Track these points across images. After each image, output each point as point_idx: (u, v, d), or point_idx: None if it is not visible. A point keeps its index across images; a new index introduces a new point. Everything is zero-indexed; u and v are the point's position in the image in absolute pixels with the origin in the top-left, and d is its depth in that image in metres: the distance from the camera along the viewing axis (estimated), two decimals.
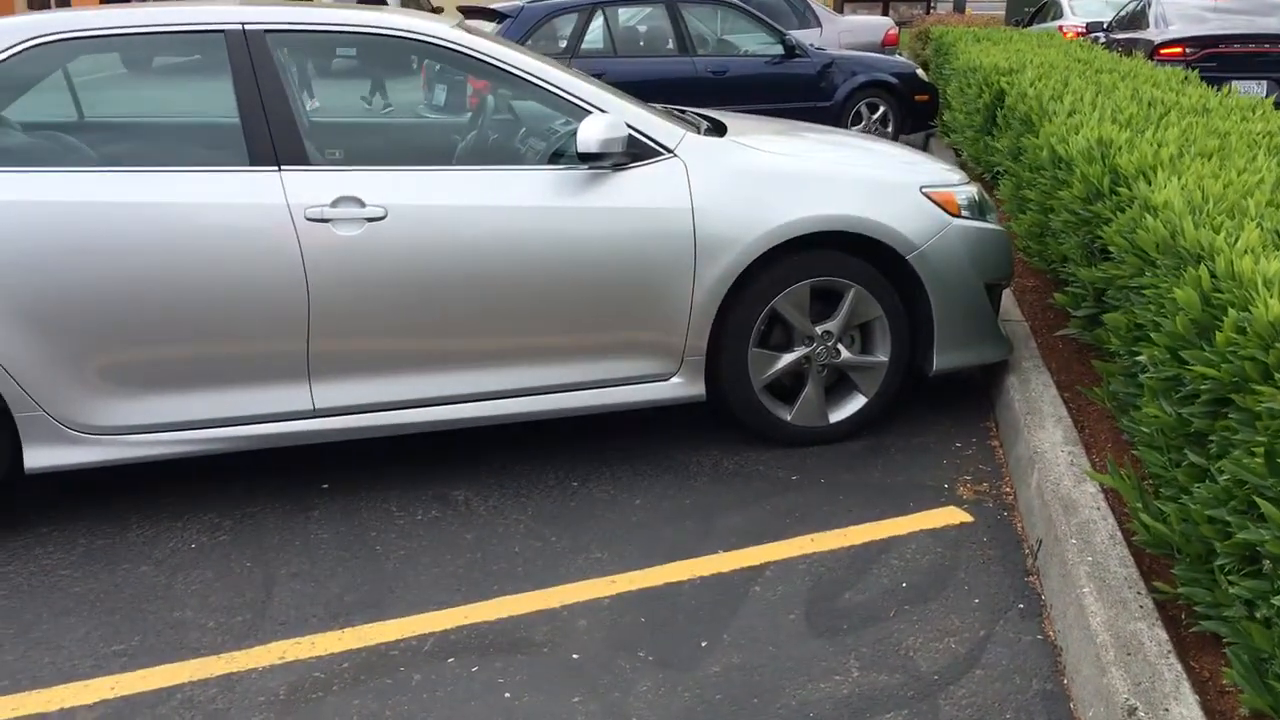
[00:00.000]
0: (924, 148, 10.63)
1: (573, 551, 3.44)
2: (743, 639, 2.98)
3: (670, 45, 9.42)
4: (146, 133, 4.28)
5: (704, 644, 2.96)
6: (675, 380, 3.96)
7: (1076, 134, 4.38)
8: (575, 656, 2.91)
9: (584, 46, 9.09)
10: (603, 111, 3.83)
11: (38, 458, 3.47)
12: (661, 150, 3.88)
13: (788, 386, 4.15)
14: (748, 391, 4.02)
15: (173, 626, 3.07)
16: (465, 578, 3.30)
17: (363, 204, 3.57)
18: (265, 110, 3.58)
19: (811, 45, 10.27)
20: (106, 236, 3.38)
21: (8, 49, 3.46)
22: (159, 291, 3.43)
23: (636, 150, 3.84)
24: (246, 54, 3.62)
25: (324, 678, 2.84)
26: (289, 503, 3.77)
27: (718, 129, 4.32)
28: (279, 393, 3.63)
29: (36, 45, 3.50)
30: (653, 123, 3.93)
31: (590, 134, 3.66)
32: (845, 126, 9.76)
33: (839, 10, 22.70)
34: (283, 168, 3.56)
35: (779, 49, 9.65)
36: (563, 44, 9.09)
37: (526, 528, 3.59)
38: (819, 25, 13.52)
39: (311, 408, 3.66)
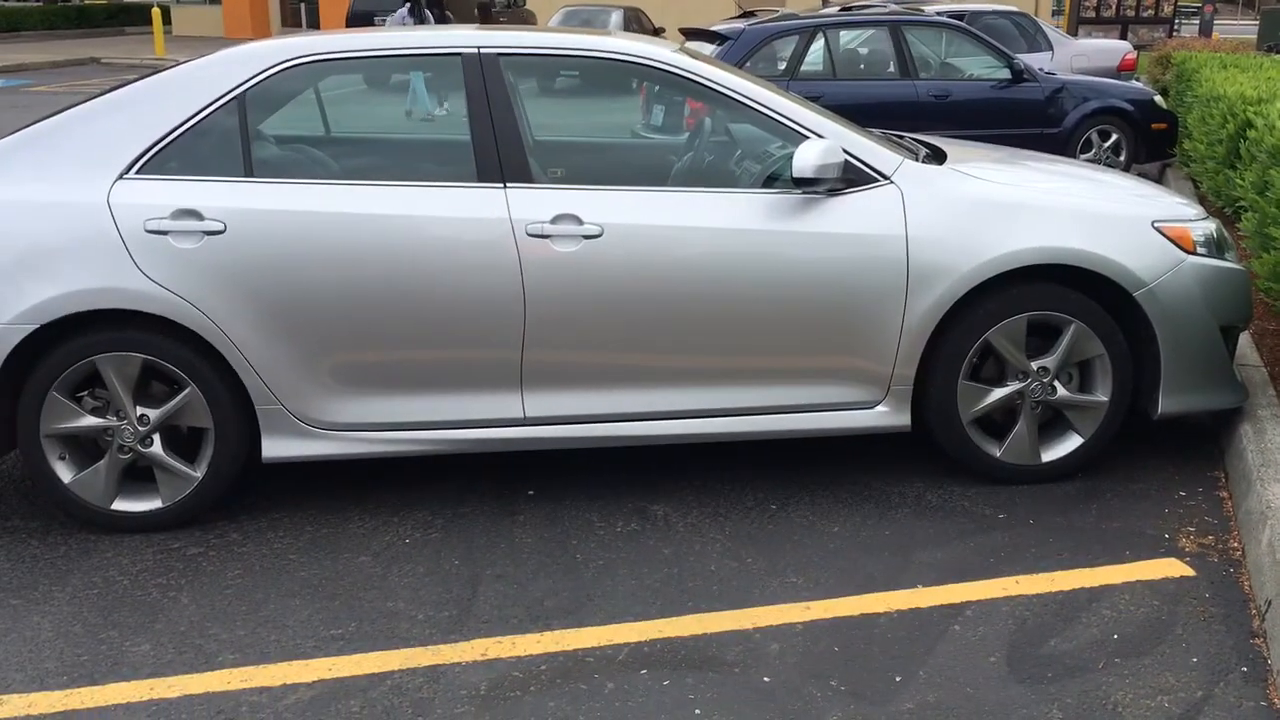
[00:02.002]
0: (1159, 179, 10.10)
1: (768, 574, 3.44)
2: (939, 677, 2.91)
3: (892, 68, 9.30)
4: (385, 149, 4.55)
5: (898, 679, 2.91)
6: (881, 409, 3.90)
7: None
8: (766, 680, 2.91)
9: (804, 69, 9.09)
10: (820, 136, 3.83)
11: (275, 448, 3.73)
12: (878, 177, 3.85)
13: (999, 422, 4.03)
14: (955, 424, 3.93)
15: (386, 616, 3.24)
16: (661, 592, 3.35)
17: (580, 221, 3.69)
18: (495, 130, 3.75)
19: (1041, 70, 9.94)
20: (345, 245, 3.62)
21: (267, 70, 3.75)
22: (388, 298, 3.64)
23: (852, 176, 3.82)
24: (480, 76, 3.80)
25: (522, 677, 2.94)
26: (497, 506, 3.93)
27: (937, 156, 4.25)
28: (493, 400, 3.78)
29: (292, 66, 3.78)
30: (869, 149, 3.90)
31: (806, 159, 3.67)
32: (1074, 155, 9.39)
33: (1073, 33, 21.84)
34: (508, 185, 3.72)
35: (1006, 73, 9.38)
36: (782, 65, 9.11)
37: (724, 547, 3.62)
38: (1050, 49, 13.05)
39: (522, 415, 3.80)
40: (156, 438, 3.68)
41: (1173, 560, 3.49)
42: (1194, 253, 3.96)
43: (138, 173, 3.62)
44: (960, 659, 2.99)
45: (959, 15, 12.11)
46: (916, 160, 4.01)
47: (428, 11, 15.96)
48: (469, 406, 3.79)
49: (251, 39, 4.30)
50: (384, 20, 15.50)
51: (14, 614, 3.25)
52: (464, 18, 21.02)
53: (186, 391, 3.64)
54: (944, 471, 4.13)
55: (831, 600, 3.28)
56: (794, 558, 3.54)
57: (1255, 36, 21.73)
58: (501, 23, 21.45)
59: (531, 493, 4.03)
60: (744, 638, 3.10)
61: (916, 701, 2.81)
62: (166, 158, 3.64)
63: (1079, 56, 13.42)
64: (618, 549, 3.62)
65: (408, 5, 15.71)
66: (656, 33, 21.71)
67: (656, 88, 7.57)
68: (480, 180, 3.73)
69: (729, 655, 3.02)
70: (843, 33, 9.46)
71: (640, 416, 3.84)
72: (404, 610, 3.27)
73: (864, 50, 9.64)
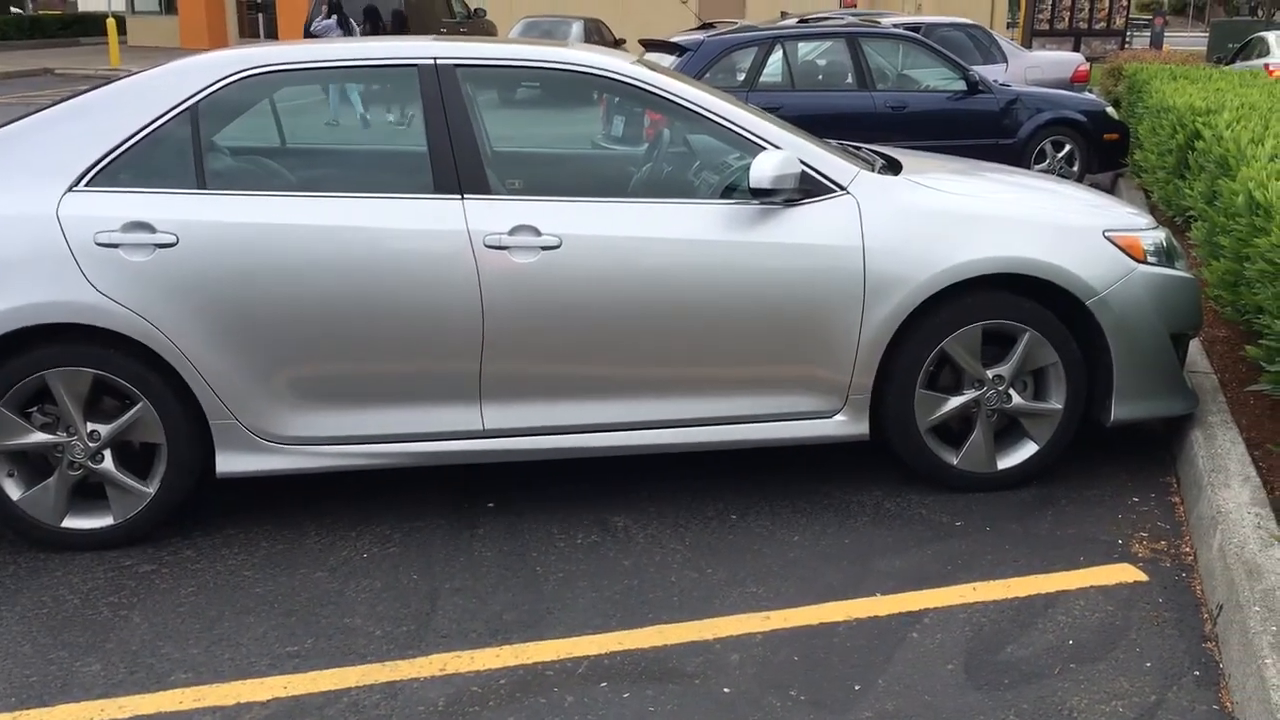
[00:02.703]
0: (1111, 189, 10.24)
1: (728, 584, 3.44)
2: (897, 685, 2.92)
3: (849, 80, 9.37)
4: (341, 160, 4.52)
5: (857, 687, 2.91)
6: (839, 418, 3.92)
7: (1278, 179, 4.16)
8: (726, 690, 2.91)
9: (762, 80, 9.14)
10: (776, 148, 3.85)
11: (229, 463, 3.69)
12: (834, 187, 3.87)
13: (955, 430, 4.06)
14: (913, 433, 3.95)
15: (343, 632, 3.21)
16: (621, 604, 3.34)
17: (539, 233, 3.68)
18: (452, 141, 3.73)
19: (996, 81, 10.05)
20: (298, 257, 3.58)
21: (220, 80, 3.72)
22: (344, 310, 3.61)
23: (809, 186, 3.84)
24: (437, 87, 3.78)
25: (481, 692, 2.92)
26: (455, 519, 3.90)
27: (893, 166, 4.28)
28: (451, 412, 3.76)
29: (246, 77, 3.75)
30: (826, 159, 3.92)
31: (763, 170, 3.68)
32: (1028, 165, 9.50)
33: (1027, 45, 22.13)
34: (465, 196, 3.70)
35: (961, 84, 9.48)
36: (741, 77, 9.15)
37: (684, 558, 3.61)
38: (1005, 61, 13.21)
39: (481, 428, 3.78)
40: (108, 454, 3.63)
41: (1126, 566, 3.53)
42: (1144, 261, 4.02)
43: (88, 184, 3.57)
44: (918, 667, 3.00)
45: (914, 27, 12.24)
46: (873, 171, 4.04)
47: (352, 21, 15.86)
48: (427, 419, 3.76)
49: (208, 49, 4.26)
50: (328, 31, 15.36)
51: None
52: (428, 27, 20.96)
53: (138, 407, 3.59)
54: (902, 480, 4.16)
55: (791, 609, 3.29)
56: (754, 567, 3.55)
57: (1205, 48, 22.11)
58: (462, 33, 21.42)
59: (491, 505, 4.01)
60: (704, 648, 3.10)
61: (875, 710, 2.82)
62: (118, 169, 3.59)
63: (1033, 68, 13.59)
64: (578, 561, 3.61)
65: (334, 17, 15.58)
66: (617, 44, 21.74)
67: (616, 99, 7.59)
68: (437, 191, 3.71)
69: (689, 666, 3.02)
70: (801, 45, 9.53)
71: (600, 428, 3.83)
72: (361, 626, 3.24)
73: (822, 62, 9.72)
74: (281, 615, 3.30)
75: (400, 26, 17.25)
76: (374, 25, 16.77)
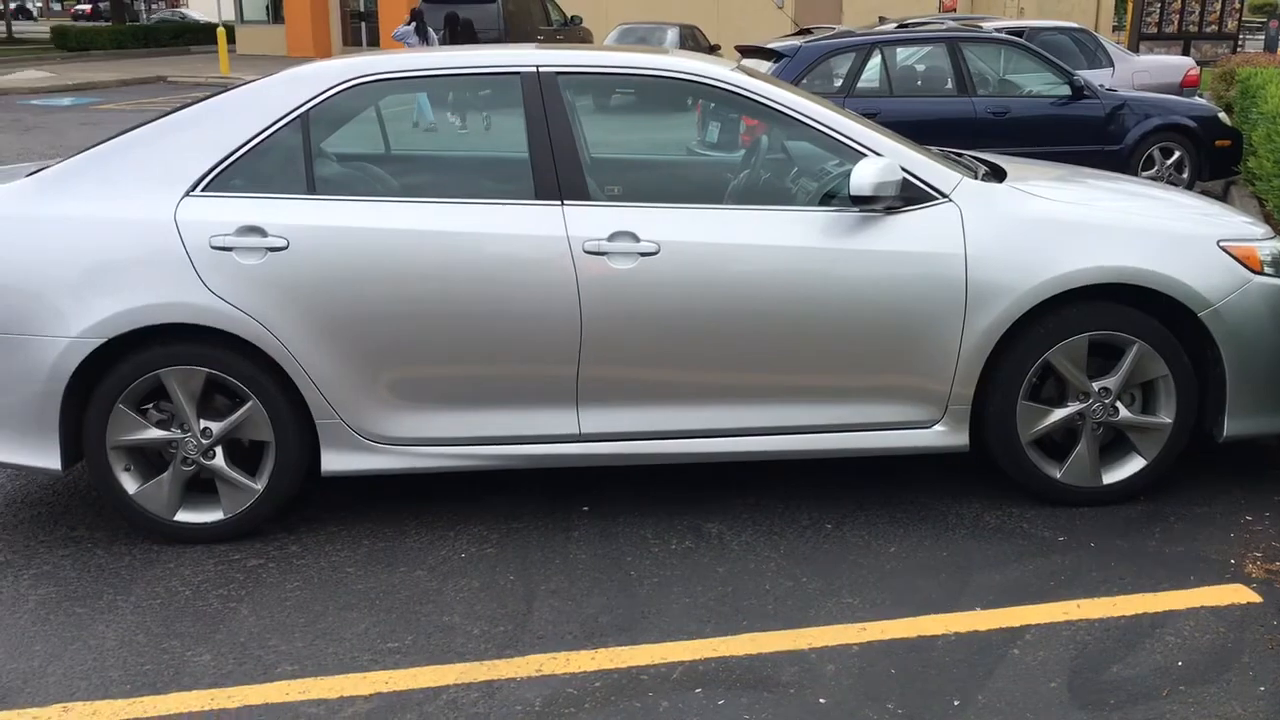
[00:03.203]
0: (1223, 197, 9.92)
1: (824, 594, 3.42)
2: (998, 702, 2.87)
3: (949, 85, 9.24)
4: (444, 166, 4.60)
5: (956, 703, 2.87)
6: (938, 428, 3.86)
7: None
8: (822, 701, 2.89)
9: (860, 86, 9.05)
10: (877, 154, 3.82)
11: (333, 462, 3.78)
12: (936, 195, 3.82)
13: (1059, 443, 3.97)
14: (1014, 445, 3.88)
15: (442, 630, 3.26)
16: (716, 610, 3.34)
17: (637, 239, 3.70)
18: (553, 148, 3.78)
19: (1102, 86, 9.82)
20: (404, 261, 3.66)
21: (330, 89, 3.81)
22: (446, 314, 3.67)
23: (910, 194, 3.80)
24: (539, 95, 3.83)
25: (576, 694, 2.94)
26: (551, 521, 3.94)
27: (996, 174, 4.21)
28: (549, 416, 3.80)
29: (354, 85, 3.84)
30: (928, 166, 3.88)
31: (864, 177, 3.65)
32: (1135, 173, 9.26)
33: (1134, 49, 21.56)
34: (565, 202, 3.74)
35: (1066, 89, 9.28)
36: (838, 83, 9.08)
37: (778, 566, 3.60)
38: (1111, 65, 12.89)
39: (578, 432, 3.81)
40: (219, 450, 3.75)
41: (1239, 586, 3.41)
42: (1261, 273, 3.89)
43: (204, 190, 3.69)
44: (1020, 683, 2.95)
45: (1018, 31, 12.00)
46: (976, 178, 3.98)
47: (430, 30, 16.05)
48: (525, 422, 3.81)
49: (313, 58, 4.37)
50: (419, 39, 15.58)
51: (79, 622, 3.32)
52: (524, 35, 21.21)
53: (248, 405, 3.70)
54: (1002, 492, 4.08)
55: (888, 621, 3.25)
56: (850, 578, 3.51)
57: None
58: (559, 40, 21.63)
59: (586, 509, 4.04)
60: (799, 658, 3.08)
61: None
62: (232, 175, 3.71)
63: (1140, 73, 13.23)
64: (672, 566, 3.61)
65: (413, 24, 15.81)
66: (712, 50, 21.74)
67: (712, 105, 7.59)
68: (538, 198, 3.75)
69: (784, 675, 3.00)
70: (900, 50, 9.42)
71: (696, 434, 3.83)
72: (460, 625, 3.29)
73: (921, 67, 9.59)
74: (383, 612, 3.36)
75: (469, 33, 17.41)
76: (452, 32, 16.99)
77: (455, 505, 4.07)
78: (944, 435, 3.87)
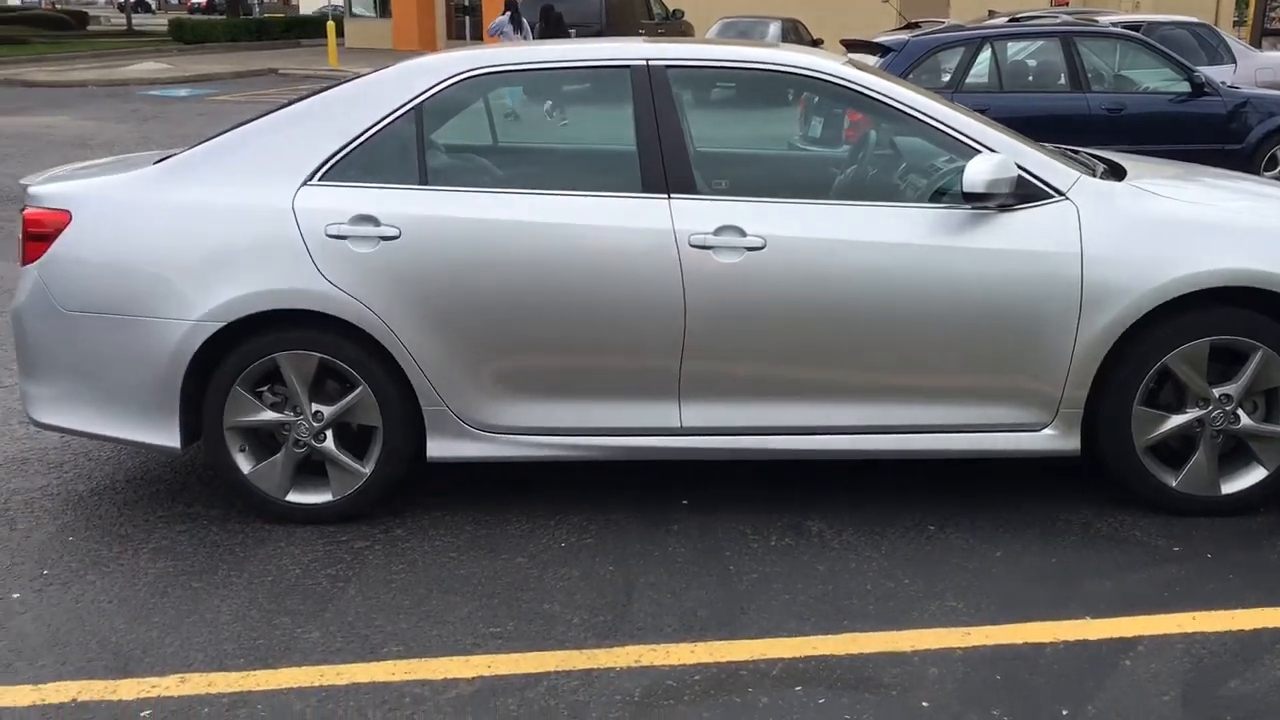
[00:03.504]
0: None
1: (926, 597, 3.37)
2: (1109, 713, 2.79)
3: (1062, 81, 9.01)
4: (552, 158, 4.64)
5: (1065, 712, 2.80)
6: (1048, 432, 3.78)
7: None
8: (924, 704, 2.85)
9: (969, 81, 8.88)
10: (992, 151, 3.74)
11: (438, 448, 3.84)
12: (1052, 192, 3.73)
13: (1175, 450, 3.85)
14: (1129, 451, 3.77)
15: (542, 618, 3.30)
16: (816, 609, 3.32)
17: (743, 233, 3.69)
18: (660, 141, 3.78)
19: (1223, 83, 9.48)
20: (512, 252, 3.70)
21: (444, 81, 3.87)
22: (552, 304, 3.70)
23: (1025, 191, 3.71)
24: (648, 88, 3.84)
25: (675, 686, 2.95)
26: (650, 514, 3.95)
27: (1115, 172, 4.10)
28: (650, 408, 3.81)
29: (467, 78, 3.89)
30: (1044, 163, 3.79)
31: (977, 174, 3.59)
32: (1258, 173, 8.92)
33: (1257, 45, 20.76)
34: (672, 195, 3.74)
35: (1185, 86, 8.98)
36: (946, 78, 8.93)
37: (879, 566, 3.56)
38: (1233, 62, 12.44)
39: (679, 425, 3.81)
40: (329, 434, 3.84)
41: None
42: None
43: (320, 180, 3.78)
44: (1131, 695, 2.87)
45: (1135, 26, 11.66)
46: (1094, 176, 3.87)
47: (525, 21, 16.10)
48: (627, 414, 3.82)
49: (419, 51, 4.44)
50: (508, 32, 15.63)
51: (195, 596, 3.43)
52: (626, 28, 21.26)
53: (358, 391, 3.78)
54: (1113, 499, 3.97)
55: (993, 627, 3.19)
56: (953, 581, 3.46)
57: None
58: (660, 34, 21.63)
59: (685, 502, 4.04)
60: (901, 660, 3.04)
61: None
62: (347, 165, 3.79)
63: (1264, 69, 12.75)
64: (772, 563, 3.60)
65: (508, 14, 15.87)
66: (815, 44, 21.54)
67: (816, 100, 7.52)
68: (645, 190, 3.76)
69: (885, 677, 2.97)
70: (1011, 44, 9.22)
71: (798, 430, 3.81)
72: (560, 613, 3.32)
73: (1033, 62, 9.37)
74: (485, 597, 3.41)
75: (560, 26, 17.45)
76: (547, 24, 17.06)
77: (555, 495, 4.11)
78: (1054, 439, 3.78)
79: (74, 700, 2.91)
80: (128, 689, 2.96)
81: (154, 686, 2.97)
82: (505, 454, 3.86)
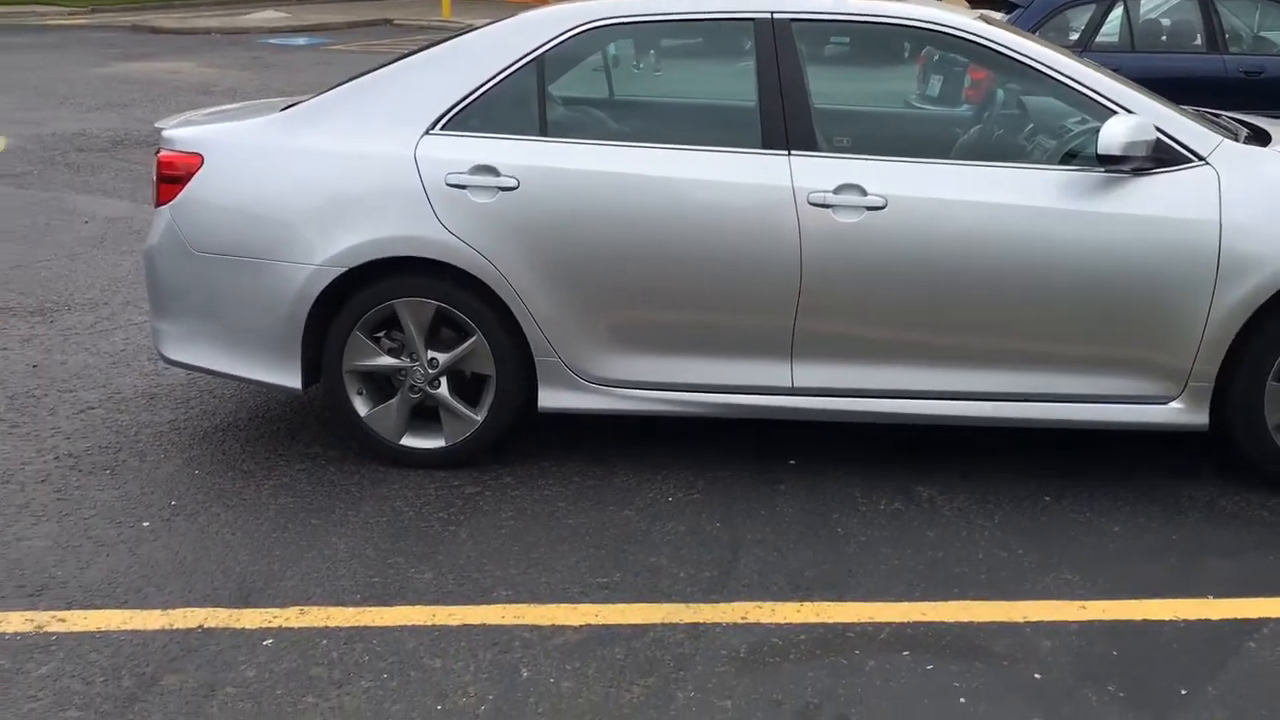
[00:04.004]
0: None
1: (1040, 568, 3.30)
2: (1230, 695, 2.71)
3: (1198, 41, 8.61)
4: (668, 112, 4.61)
5: (1184, 692, 2.73)
6: (1174, 405, 3.65)
7: None
8: (1037, 676, 2.80)
9: (1099, 40, 8.55)
10: (1129, 112, 3.60)
11: (550, 399, 3.88)
12: (1191, 157, 3.59)
13: None
14: (1260, 429, 3.63)
15: (649, 570, 3.32)
16: (925, 575, 3.28)
17: (864, 192, 3.62)
18: (783, 96, 3.72)
19: None
20: (628, 204, 3.69)
21: (565, 33, 3.86)
22: (667, 259, 3.69)
23: (1163, 155, 3.57)
24: (772, 41, 3.78)
25: (781, 645, 2.95)
26: (757, 473, 3.94)
27: (1259, 138, 3.92)
28: (761, 367, 3.78)
29: (589, 30, 3.87)
30: (1184, 126, 3.64)
31: (1114, 135, 3.46)
32: None
33: None
34: (792, 152, 3.69)
35: None
36: (1075, 36, 8.61)
37: (992, 535, 3.50)
38: None
39: (790, 385, 3.78)
40: (444, 380, 3.90)
41: None
42: None
43: (442, 129, 3.81)
44: (1255, 679, 2.78)
45: None
46: (1236, 141, 3.71)
47: None
48: (738, 372, 3.80)
49: (530, 4, 4.43)
50: None
51: (314, 532, 3.53)
52: None
53: (473, 339, 3.83)
54: (1241, 478, 3.83)
55: (1110, 601, 3.12)
56: (1068, 553, 3.38)
57: None
58: None
59: (792, 462, 4.02)
60: (1013, 630, 3.00)
61: (1204, 718, 2.64)
62: (468, 115, 3.82)
63: None
64: (880, 527, 3.56)
65: None
66: None
67: (935, 57, 7.32)
68: (765, 146, 3.72)
69: (996, 647, 2.93)
70: (1144, 1, 8.84)
71: (913, 394, 3.75)
72: (666, 566, 3.34)
73: (1167, 21, 8.98)
74: (592, 548, 3.45)
75: None
76: None
77: (662, 450, 4.12)
78: (1181, 413, 3.65)
79: (200, 626, 3.03)
80: (250, 618, 3.07)
81: (275, 617, 3.07)
82: (615, 407, 3.87)
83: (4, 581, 3.23)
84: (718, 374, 3.81)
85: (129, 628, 3.02)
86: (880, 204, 3.61)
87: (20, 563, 3.33)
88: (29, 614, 3.07)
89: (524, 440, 4.16)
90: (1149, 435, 4.12)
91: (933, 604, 3.12)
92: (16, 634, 2.98)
